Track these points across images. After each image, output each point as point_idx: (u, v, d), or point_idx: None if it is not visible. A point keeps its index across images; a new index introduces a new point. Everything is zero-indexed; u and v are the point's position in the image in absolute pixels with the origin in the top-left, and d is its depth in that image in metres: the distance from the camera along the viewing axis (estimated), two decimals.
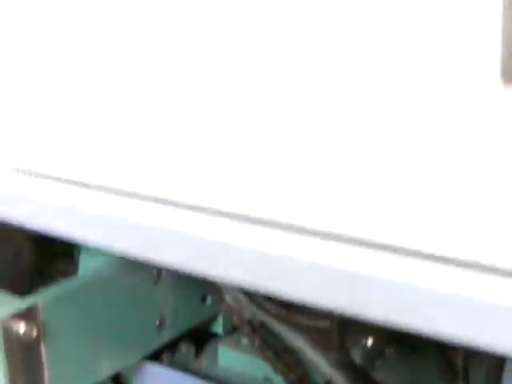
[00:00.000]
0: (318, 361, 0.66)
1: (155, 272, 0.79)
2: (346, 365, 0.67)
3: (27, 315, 0.66)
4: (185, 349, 0.89)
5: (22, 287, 0.94)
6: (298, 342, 0.67)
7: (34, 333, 0.66)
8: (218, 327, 0.92)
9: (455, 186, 0.36)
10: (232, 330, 0.91)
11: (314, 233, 0.41)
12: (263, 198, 0.43)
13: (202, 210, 0.47)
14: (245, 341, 0.87)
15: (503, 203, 0.35)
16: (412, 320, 0.37)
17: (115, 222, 0.51)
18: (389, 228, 0.39)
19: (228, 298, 0.82)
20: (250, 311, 0.77)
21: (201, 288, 0.86)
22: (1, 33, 0.54)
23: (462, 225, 0.36)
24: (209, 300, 0.88)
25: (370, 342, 0.78)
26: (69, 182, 0.54)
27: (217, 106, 0.44)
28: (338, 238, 0.40)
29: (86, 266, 0.79)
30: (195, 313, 0.87)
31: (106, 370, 0.77)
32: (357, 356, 0.74)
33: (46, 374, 0.69)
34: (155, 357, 0.88)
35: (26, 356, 0.67)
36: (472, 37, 0.34)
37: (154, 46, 0.46)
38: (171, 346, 0.88)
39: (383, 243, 0.39)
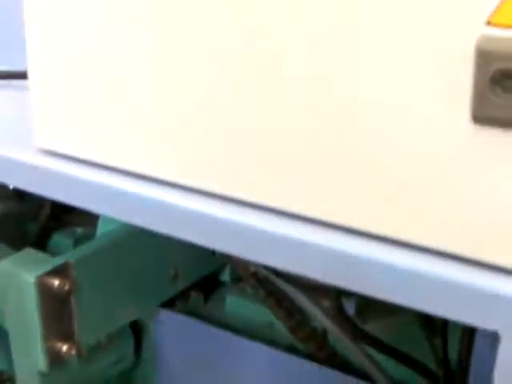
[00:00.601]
0: (315, 313, 0.73)
1: None
2: (339, 317, 0.75)
3: (60, 272, 0.75)
4: (195, 296, 0.98)
5: (42, 238, 1.03)
6: (296, 296, 0.74)
7: (66, 287, 0.75)
8: (226, 276, 1.00)
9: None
10: (238, 279, 0.99)
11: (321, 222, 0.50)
12: (280, 187, 0.51)
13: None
14: (250, 289, 0.95)
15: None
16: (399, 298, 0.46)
17: (132, 197, 0.57)
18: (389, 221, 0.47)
19: None
20: (254, 265, 0.85)
21: None
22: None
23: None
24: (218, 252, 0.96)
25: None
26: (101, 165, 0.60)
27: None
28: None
29: (106, 221, 0.88)
30: (206, 264, 0.95)
31: (127, 317, 0.87)
32: (350, 308, 0.82)
33: (76, 322, 0.78)
34: (168, 304, 0.97)
35: (58, 307, 0.76)
36: (448, 86, 0.42)
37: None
38: (183, 294, 0.97)
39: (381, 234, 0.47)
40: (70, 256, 0.77)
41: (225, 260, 0.96)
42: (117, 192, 0.57)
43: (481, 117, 0.41)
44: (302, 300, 0.73)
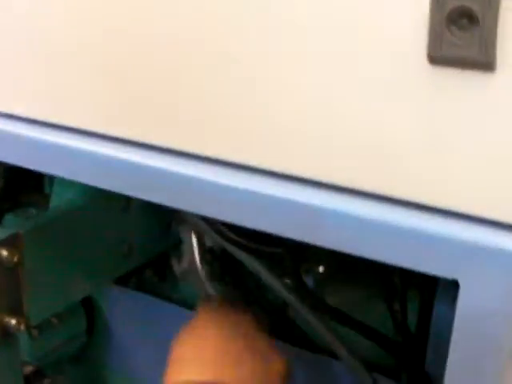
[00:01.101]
0: (274, 285, 0.71)
1: (124, 202, 0.85)
2: (299, 289, 0.73)
3: (9, 243, 0.72)
4: (150, 275, 0.96)
5: None
6: (255, 267, 0.71)
7: (15, 258, 0.73)
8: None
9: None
10: None
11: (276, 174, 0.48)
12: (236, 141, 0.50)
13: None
14: (206, 267, 0.93)
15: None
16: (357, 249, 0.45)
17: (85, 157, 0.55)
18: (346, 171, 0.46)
19: (191, 228, 0.88)
20: (210, 239, 0.84)
21: (166, 217, 0.92)
22: None
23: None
24: (173, 228, 0.94)
25: (321, 269, 0.85)
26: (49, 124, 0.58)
27: None
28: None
29: (59, 197, 0.85)
30: (161, 240, 0.93)
31: (79, 293, 0.84)
32: (309, 282, 0.81)
33: (25, 296, 0.75)
34: (122, 282, 0.95)
35: (6, 279, 0.73)
36: (402, 22, 0.41)
37: None
38: (137, 273, 0.95)
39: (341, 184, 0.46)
40: (19, 227, 0.75)
41: (180, 237, 0.95)
42: (42, 145, 0.56)
43: (437, 57, 0.40)
44: (260, 272, 0.71)
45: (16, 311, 0.75)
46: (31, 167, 0.59)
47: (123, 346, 0.97)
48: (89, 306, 0.97)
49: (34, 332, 0.88)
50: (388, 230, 0.43)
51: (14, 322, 0.75)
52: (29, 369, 0.88)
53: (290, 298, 0.66)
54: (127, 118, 0.53)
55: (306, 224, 0.46)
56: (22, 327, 0.75)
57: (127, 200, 0.86)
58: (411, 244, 0.43)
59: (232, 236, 0.67)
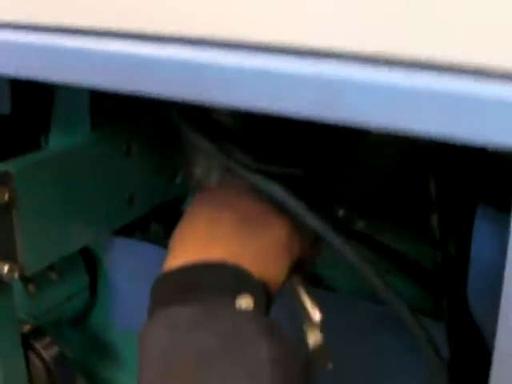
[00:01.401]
0: (298, 210, 0.63)
1: (125, 146, 0.79)
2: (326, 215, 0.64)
3: None
4: (155, 227, 0.90)
5: None
6: (277, 193, 0.63)
7: (6, 197, 0.67)
8: (187, 206, 0.92)
9: None
10: None
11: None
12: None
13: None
14: None
15: None
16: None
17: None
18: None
19: (198, 172, 0.82)
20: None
21: (172, 164, 0.86)
22: None
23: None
24: (179, 178, 0.88)
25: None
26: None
27: None
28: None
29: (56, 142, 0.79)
30: (165, 189, 0.87)
31: (77, 241, 0.78)
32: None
33: (18, 240, 0.69)
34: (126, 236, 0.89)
35: None
36: None
37: None
38: (142, 225, 0.89)
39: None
40: (10, 166, 0.68)
41: (187, 188, 0.88)
42: None
43: None
44: (284, 198, 0.62)
45: (8, 257, 0.69)
46: None
47: (127, 301, 0.91)
48: (90, 262, 0.91)
49: (31, 287, 0.82)
50: (433, 96, 0.36)
51: (6, 268, 0.68)
52: (27, 327, 0.82)
53: (315, 221, 0.59)
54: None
55: (324, 99, 0.39)
56: (16, 275, 0.69)
57: (128, 144, 0.79)
58: (462, 111, 0.36)
59: (244, 158, 0.60)
